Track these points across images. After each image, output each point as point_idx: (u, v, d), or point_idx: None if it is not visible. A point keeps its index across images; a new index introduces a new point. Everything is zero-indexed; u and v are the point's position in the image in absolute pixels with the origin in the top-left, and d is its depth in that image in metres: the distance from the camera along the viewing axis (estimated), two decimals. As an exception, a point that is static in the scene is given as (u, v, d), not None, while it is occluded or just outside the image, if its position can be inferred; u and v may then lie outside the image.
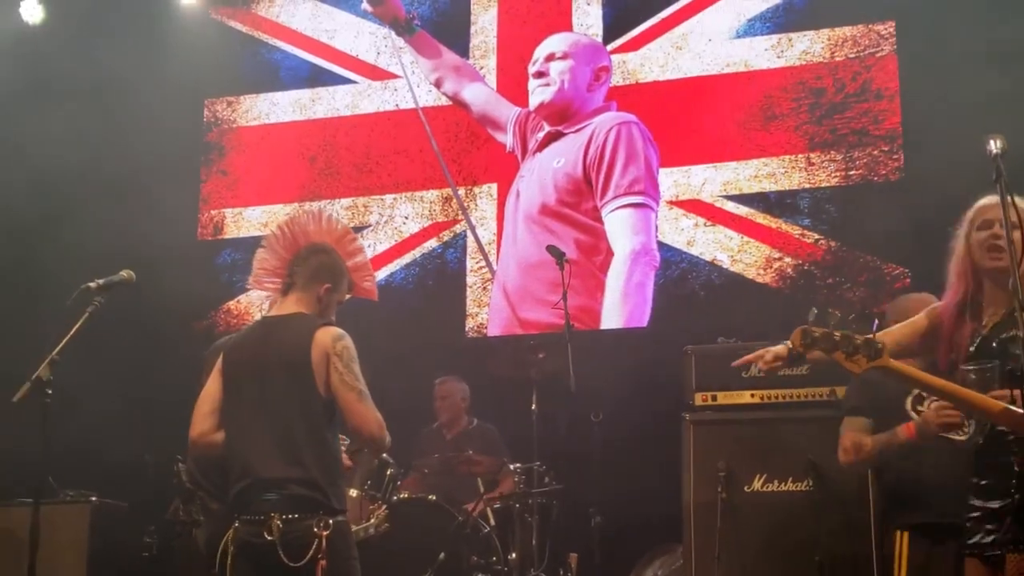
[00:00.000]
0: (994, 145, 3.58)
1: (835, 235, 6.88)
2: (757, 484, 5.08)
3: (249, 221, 8.10)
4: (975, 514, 3.58)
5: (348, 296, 4.06)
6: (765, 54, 7.24)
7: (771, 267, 6.97)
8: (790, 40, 7.20)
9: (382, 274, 7.56)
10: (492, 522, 6.17)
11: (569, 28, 7.67)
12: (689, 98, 7.34)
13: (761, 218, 7.04)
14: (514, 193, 7.40)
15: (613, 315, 6.98)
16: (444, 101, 7.83)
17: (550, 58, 7.39)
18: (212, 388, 3.89)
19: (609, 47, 7.57)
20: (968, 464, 3.62)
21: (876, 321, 3.72)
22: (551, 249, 6.12)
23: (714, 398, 5.29)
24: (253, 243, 4.20)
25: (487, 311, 7.43)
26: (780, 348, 3.80)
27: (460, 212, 7.64)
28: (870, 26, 7.03)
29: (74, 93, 7.79)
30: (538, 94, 7.39)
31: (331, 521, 3.64)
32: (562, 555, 6.17)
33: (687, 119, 7.31)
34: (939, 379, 3.51)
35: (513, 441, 6.55)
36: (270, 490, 3.66)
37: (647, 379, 6.28)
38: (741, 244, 7.04)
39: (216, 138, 8.36)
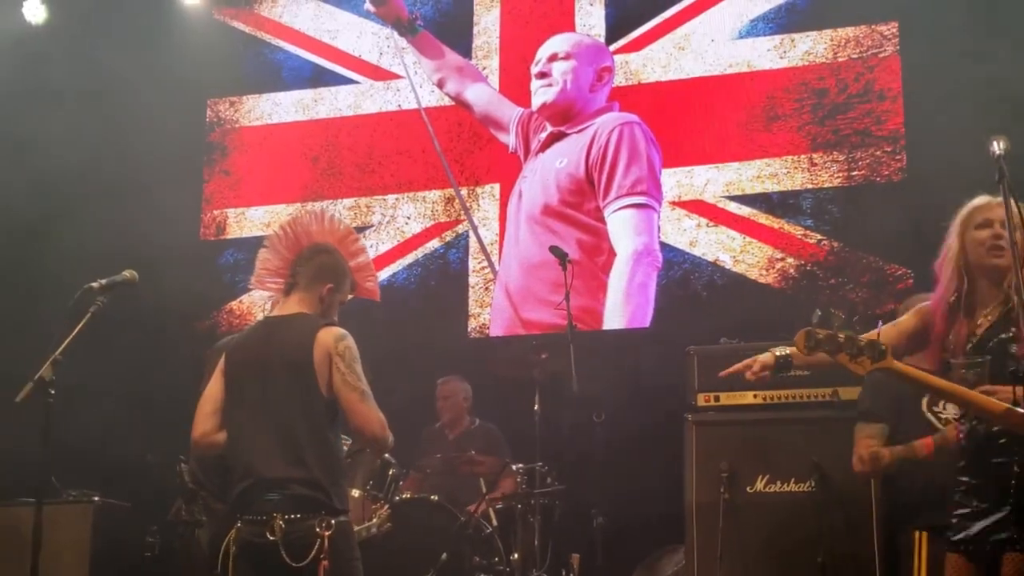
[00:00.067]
0: (997, 146, 3.59)
1: (837, 236, 6.88)
2: (759, 485, 5.08)
3: (252, 221, 8.10)
4: (963, 511, 3.59)
5: (350, 296, 4.06)
6: (768, 55, 7.24)
7: (773, 268, 6.97)
8: (793, 41, 7.20)
9: (384, 274, 7.57)
10: (494, 522, 6.17)
11: (572, 28, 7.67)
12: (692, 99, 7.34)
13: (763, 219, 7.04)
14: (516, 193, 7.40)
15: (615, 316, 6.98)
16: (447, 101, 7.83)
17: (553, 58, 7.39)
18: (214, 388, 3.89)
19: (612, 47, 7.57)
20: (979, 465, 3.62)
21: (881, 323, 3.73)
22: (553, 249, 6.12)
23: (716, 399, 5.29)
24: (256, 243, 4.20)
25: (489, 311, 7.43)
26: (767, 357, 3.82)
27: (462, 212, 7.64)
28: (873, 27, 7.02)
29: (76, 93, 7.80)
30: (540, 94, 7.39)
31: (333, 521, 3.64)
32: (564, 556, 6.17)
33: (690, 120, 7.31)
34: (942, 380, 3.51)
35: (515, 441, 6.55)
36: (272, 490, 3.66)
37: (649, 380, 6.28)
38: (743, 245, 7.04)
39: (219, 138, 8.36)
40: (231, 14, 8.50)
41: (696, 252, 7.13)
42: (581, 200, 7.12)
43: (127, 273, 4.58)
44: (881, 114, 6.91)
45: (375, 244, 7.70)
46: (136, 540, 6.28)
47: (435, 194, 7.77)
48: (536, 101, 7.42)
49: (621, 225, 7.01)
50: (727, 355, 5.32)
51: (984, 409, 3.45)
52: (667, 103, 7.39)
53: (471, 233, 7.60)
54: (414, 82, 7.88)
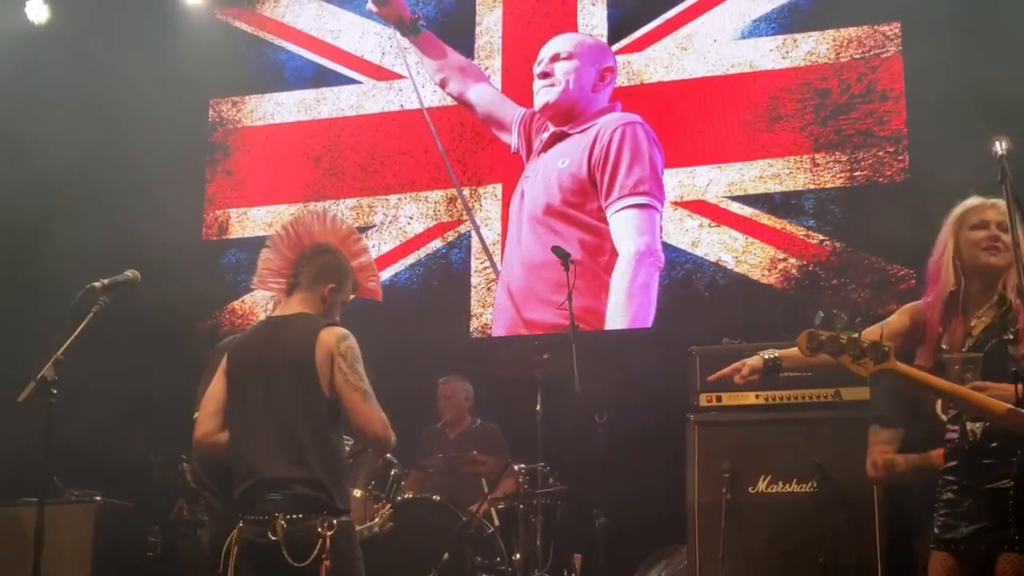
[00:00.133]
0: (999, 146, 3.60)
1: (840, 236, 6.87)
2: (761, 485, 5.07)
3: (254, 221, 8.10)
4: (953, 510, 3.61)
5: (352, 296, 4.07)
6: (770, 55, 7.23)
7: (776, 268, 6.96)
8: (795, 41, 7.19)
9: (386, 274, 7.57)
10: (496, 523, 6.17)
11: (574, 29, 7.67)
12: (694, 99, 7.34)
13: (766, 219, 7.04)
14: (519, 193, 7.39)
15: (617, 316, 6.98)
16: (449, 101, 7.83)
17: (555, 58, 7.39)
18: (216, 388, 3.89)
19: (614, 48, 7.57)
20: (973, 465, 3.62)
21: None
22: (556, 250, 6.12)
23: (719, 399, 5.29)
24: (258, 243, 4.20)
25: (491, 311, 7.43)
26: (756, 360, 3.84)
27: (465, 212, 7.64)
28: (875, 27, 7.02)
29: (79, 93, 7.80)
30: (543, 94, 7.39)
31: (335, 521, 3.65)
32: (566, 556, 6.17)
33: (692, 120, 7.30)
34: (945, 382, 3.51)
35: (517, 442, 6.55)
36: (274, 490, 3.67)
37: (651, 380, 6.27)
38: (746, 245, 7.04)
39: (221, 138, 8.36)
40: (233, 14, 8.50)
41: (698, 252, 7.12)
42: (583, 200, 7.12)
43: (129, 273, 4.59)
44: (883, 114, 6.90)
45: (377, 244, 7.70)
46: (138, 540, 6.29)
47: (437, 194, 7.77)
48: (538, 101, 7.42)
49: (623, 225, 7.01)
50: (729, 355, 5.30)
51: (985, 409, 3.46)
52: (669, 103, 7.38)
53: (473, 233, 7.60)
54: (416, 82, 7.88)
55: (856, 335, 3.39)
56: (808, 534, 4.85)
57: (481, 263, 7.57)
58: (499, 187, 7.65)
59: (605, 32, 7.65)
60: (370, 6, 7.90)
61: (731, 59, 7.31)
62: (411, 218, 7.79)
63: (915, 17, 6.85)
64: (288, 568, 3.58)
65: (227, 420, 3.83)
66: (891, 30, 6.98)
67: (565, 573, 6.15)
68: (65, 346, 4.25)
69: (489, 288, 7.50)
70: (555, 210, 7.16)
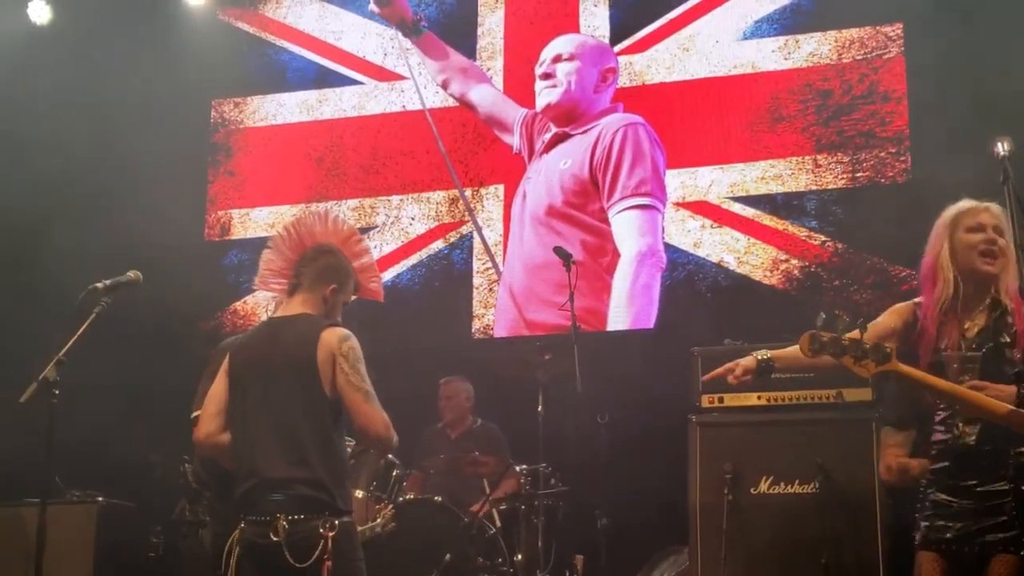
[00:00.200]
0: (1002, 147, 3.60)
1: (842, 237, 6.87)
2: (763, 486, 5.08)
3: (256, 222, 8.10)
4: (944, 510, 3.61)
5: (354, 297, 4.06)
6: (772, 56, 7.23)
7: (778, 269, 6.96)
8: (797, 42, 7.19)
9: (388, 275, 7.57)
10: (498, 523, 6.16)
11: (576, 29, 7.67)
12: (696, 100, 7.33)
13: (768, 220, 7.04)
14: (521, 194, 7.39)
15: (619, 317, 6.98)
16: (451, 102, 7.83)
17: (557, 59, 7.38)
18: (218, 389, 3.89)
19: (616, 48, 7.56)
20: (966, 466, 3.63)
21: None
22: (558, 250, 6.12)
23: (720, 400, 5.30)
24: (260, 244, 4.20)
25: (493, 312, 7.43)
26: (749, 361, 3.85)
27: (467, 213, 7.64)
28: (878, 28, 7.01)
29: (81, 93, 7.81)
30: (545, 95, 7.38)
31: (337, 522, 3.64)
32: (568, 557, 6.17)
33: (694, 121, 7.30)
34: (946, 382, 3.52)
35: (519, 442, 6.55)
36: (276, 490, 3.67)
37: (653, 381, 6.27)
38: (748, 246, 7.04)
39: (223, 139, 8.37)
40: (236, 15, 8.50)
41: (700, 253, 7.12)
42: (585, 201, 7.12)
43: (131, 274, 4.60)
44: (885, 115, 6.90)
45: (379, 245, 7.70)
46: (140, 540, 6.29)
47: (439, 195, 7.78)
48: (540, 102, 7.42)
49: (625, 226, 7.01)
50: (731, 356, 5.29)
51: (986, 409, 3.46)
52: (671, 104, 7.38)
53: (475, 234, 7.60)
54: (418, 83, 7.88)
55: (858, 336, 3.40)
56: (810, 535, 4.85)
57: (483, 264, 7.57)
58: (501, 188, 7.65)
59: (607, 33, 7.65)
60: (372, 7, 7.91)
61: (733, 60, 7.31)
62: (413, 219, 7.79)
63: (917, 18, 6.85)
64: (290, 569, 3.58)
65: (229, 420, 3.83)
66: (893, 31, 6.98)
67: (567, 574, 6.14)
68: (67, 347, 4.26)
69: (491, 289, 7.50)
70: (557, 211, 7.16)
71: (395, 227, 7.81)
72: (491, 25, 7.93)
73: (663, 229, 7.11)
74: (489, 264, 7.52)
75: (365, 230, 7.64)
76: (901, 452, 4.50)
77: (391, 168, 7.91)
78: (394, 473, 5.83)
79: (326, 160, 8.07)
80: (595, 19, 7.70)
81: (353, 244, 4.06)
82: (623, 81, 7.49)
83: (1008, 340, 3.64)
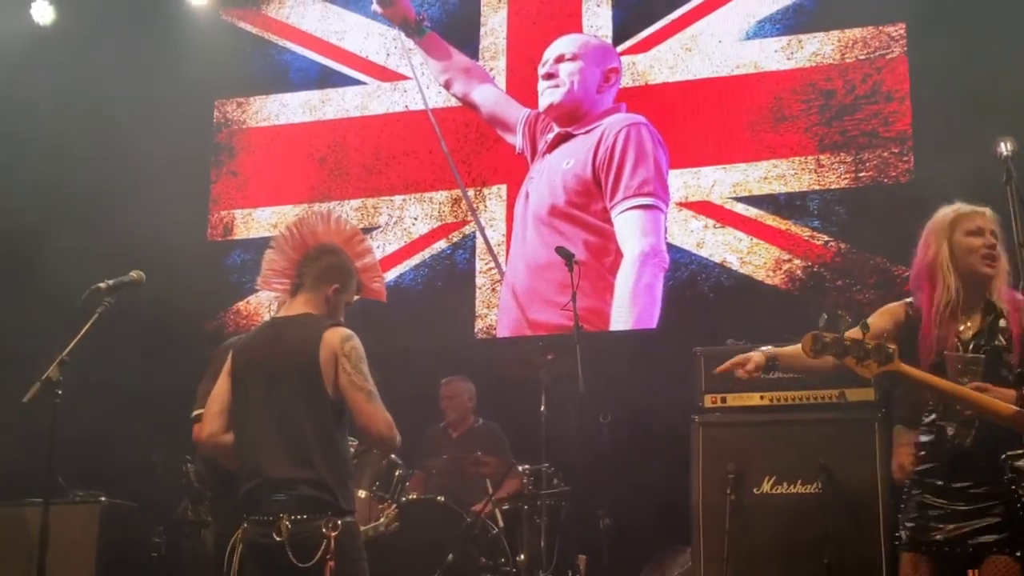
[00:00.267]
0: (1004, 147, 3.61)
1: (845, 237, 6.86)
2: (766, 486, 5.08)
3: (259, 222, 8.11)
4: (931, 512, 3.62)
5: (357, 297, 4.06)
6: (775, 56, 7.23)
7: (780, 269, 6.96)
8: (800, 42, 7.19)
9: (391, 275, 7.57)
10: (500, 523, 6.17)
11: (579, 29, 7.67)
12: (699, 100, 7.33)
13: (770, 220, 7.03)
14: (523, 194, 7.39)
15: (622, 317, 6.97)
16: (453, 102, 7.83)
17: (559, 59, 7.38)
18: (221, 389, 3.89)
19: (619, 48, 7.56)
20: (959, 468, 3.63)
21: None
22: (560, 250, 6.12)
23: (723, 400, 5.30)
24: (263, 244, 4.19)
25: (496, 312, 7.43)
26: (759, 356, 3.84)
27: (469, 213, 7.64)
28: (880, 28, 7.01)
29: (84, 93, 7.81)
30: (547, 95, 7.38)
31: (340, 522, 3.64)
32: (570, 557, 6.17)
33: (697, 121, 7.30)
34: (950, 383, 3.52)
35: (522, 442, 6.55)
36: (279, 490, 3.66)
37: (656, 381, 6.28)
38: (750, 246, 7.03)
39: (226, 139, 8.37)
40: (238, 15, 8.51)
41: (703, 253, 7.12)
42: (588, 201, 7.12)
43: (134, 274, 4.60)
44: (888, 115, 6.90)
45: (382, 245, 7.70)
46: (143, 540, 6.30)
47: (442, 195, 7.78)
48: (543, 102, 7.41)
49: (628, 226, 7.00)
50: (734, 356, 5.35)
51: (991, 410, 3.46)
52: (674, 104, 7.38)
53: (478, 234, 7.60)
54: (421, 83, 7.88)
55: (860, 337, 3.39)
56: (812, 535, 4.85)
57: (486, 264, 7.57)
58: (504, 188, 7.65)
59: (610, 33, 7.65)
60: (375, 7, 7.90)
61: (736, 60, 7.31)
62: (416, 219, 7.80)
63: (920, 18, 6.85)
64: (292, 568, 3.58)
65: (231, 420, 3.83)
66: (896, 31, 6.98)
67: (569, 574, 6.14)
68: (70, 347, 4.27)
69: (494, 289, 7.50)
70: (560, 211, 7.16)
71: (398, 227, 7.81)
72: (494, 25, 7.93)
73: (666, 229, 7.11)
74: (492, 264, 7.52)
75: (368, 230, 7.64)
76: (913, 451, 4.50)
77: (394, 168, 7.91)
78: (397, 473, 5.84)
79: (329, 160, 8.07)
80: (598, 19, 7.70)
81: (356, 244, 4.06)
82: (626, 81, 7.49)
83: (1004, 343, 3.65)
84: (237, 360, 3.89)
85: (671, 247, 7.11)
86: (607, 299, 6.99)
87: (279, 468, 3.68)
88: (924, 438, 3.78)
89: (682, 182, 7.22)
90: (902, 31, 6.96)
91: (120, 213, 7.47)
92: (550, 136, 7.38)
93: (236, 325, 7.80)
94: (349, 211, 7.84)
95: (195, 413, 4.40)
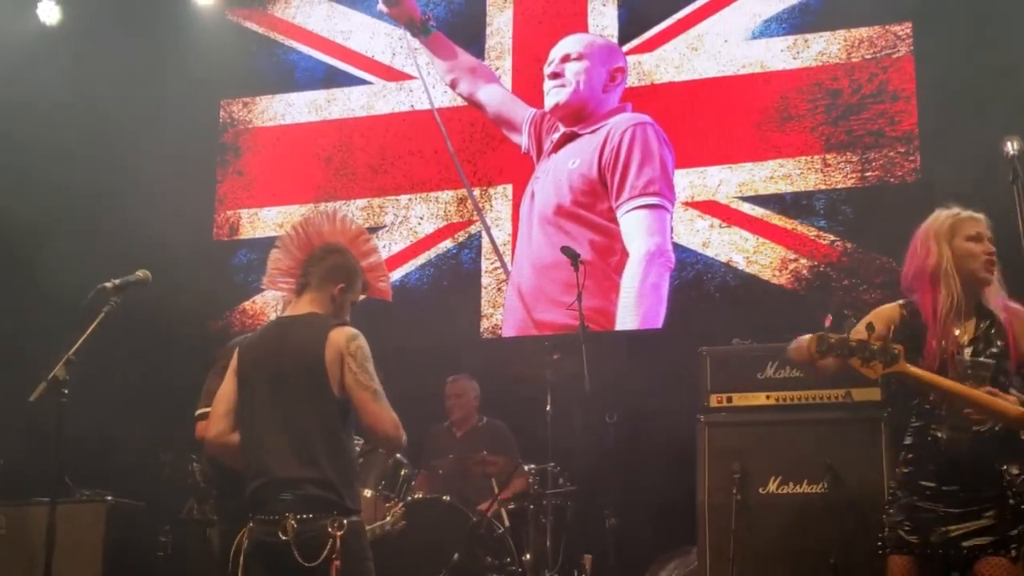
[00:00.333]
0: (1011, 146, 3.60)
1: (851, 237, 6.86)
2: (772, 486, 5.07)
3: (265, 222, 8.12)
4: (924, 515, 3.62)
5: (362, 296, 4.07)
6: (781, 55, 7.22)
7: (786, 268, 6.95)
8: (806, 41, 7.18)
9: (397, 275, 7.57)
10: (506, 523, 6.17)
11: (585, 29, 7.67)
12: (705, 99, 7.33)
13: (777, 219, 7.03)
14: (529, 194, 7.39)
15: (628, 316, 6.97)
16: (459, 102, 7.83)
17: (565, 59, 7.38)
18: (227, 388, 3.89)
19: (624, 48, 7.56)
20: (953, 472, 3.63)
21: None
22: (566, 250, 6.11)
23: (729, 399, 5.29)
24: (269, 244, 4.20)
25: (502, 312, 7.43)
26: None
27: (475, 213, 7.64)
28: (887, 27, 7.00)
29: (90, 93, 7.82)
30: (553, 95, 7.38)
31: (345, 521, 3.64)
32: (576, 556, 6.17)
33: (703, 120, 7.29)
34: (957, 384, 3.51)
35: (528, 442, 6.55)
36: (285, 490, 3.66)
37: (662, 380, 6.27)
38: (756, 245, 7.03)
39: (232, 139, 8.38)
40: (244, 15, 8.52)
41: (709, 253, 7.12)
42: (594, 201, 7.11)
43: (140, 273, 4.61)
44: (895, 115, 6.89)
45: (388, 244, 7.70)
46: (149, 539, 6.30)
47: (448, 195, 7.78)
48: (549, 102, 7.41)
49: (634, 226, 7.00)
50: (740, 356, 5.36)
51: (998, 411, 3.46)
52: (680, 104, 7.37)
53: (484, 234, 7.60)
54: (427, 83, 7.88)
55: (865, 338, 3.39)
56: (818, 535, 4.84)
57: (491, 263, 7.57)
58: (509, 187, 7.65)
59: (616, 32, 7.64)
60: (380, 7, 7.91)
61: (742, 59, 7.30)
62: (421, 218, 7.80)
63: (926, 17, 6.84)
64: (298, 568, 3.58)
65: (237, 420, 3.83)
66: (902, 30, 6.97)
67: (575, 574, 6.14)
68: (76, 346, 4.27)
69: (499, 288, 7.50)
70: (565, 210, 7.16)
71: (403, 227, 7.82)
72: (500, 25, 7.93)
73: (672, 229, 7.10)
74: (497, 264, 7.52)
75: (373, 230, 7.65)
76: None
77: (399, 168, 7.92)
78: (402, 472, 5.85)
79: (335, 160, 8.08)
80: (604, 18, 7.69)
81: (361, 243, 4.06)
82: (632, 81, 7.49)
83: (1000, 349, 3.65)
84: (243, 360, 3.89)
85: (677, 247, 7.11)
86: (613, 299, 6.99)
87: (285, 467, 3.68)
88: (910, 440, 3.77)
89: (688, 181, 7.22)
90: (908, 30, 6.95)
91: (126, 213, 7.48)
92: (556, 136, 7.38)
93: (242, 324, 7.81)
94: (355, 211, 7.85)
95: (199, 411, 4.41)
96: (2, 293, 7.65)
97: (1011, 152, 3.60)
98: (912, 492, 3.69)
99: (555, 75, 7.38)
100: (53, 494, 4.40)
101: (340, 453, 3.74)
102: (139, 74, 8.03)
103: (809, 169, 7.00)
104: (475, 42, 7.91)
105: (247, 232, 8.16)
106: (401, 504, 5.67)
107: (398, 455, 5.69)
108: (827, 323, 3.40)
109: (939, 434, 3.65)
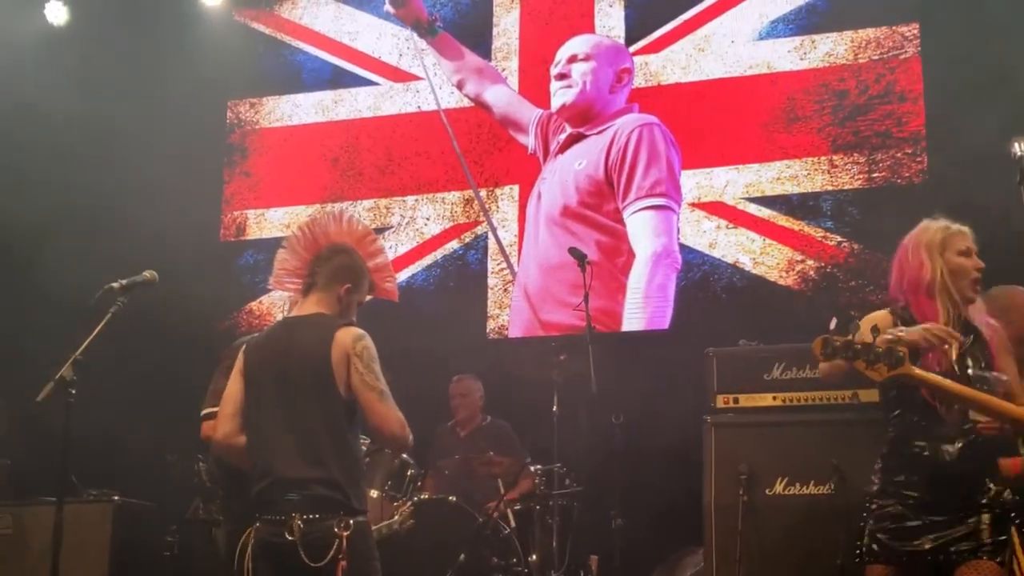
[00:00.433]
0: (1019, 147, 3.60)
1: (858, 237, 6.85)
2: (779, 487, 5.07)
3: (271, 222, 8.13)
4: (909, 524, 3.63)
5: (369, 297, 4.06)
6: (788, 56, 7.22)
7: (793, 269, 6.94)
8: (813, 42, 7.18)
9: (403, 275, 7.58)
10: (512, 523, 6.16)
11: (591, 30, 7.67)
12: (711, 100, 7.33)
13: (783, 220, 7.02)
14: (536, 195, 7.39)
15: (634, 317, 6.97)
16: (466, 103, 7.83)
17: (572, 60, 7.38)
18: (234, 389, 3.89)
19: (631, 49, 7.56)
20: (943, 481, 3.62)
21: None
22: (572, 251, 6.12)
23: (736, 400, 5.29)
24: (275, 244, 4.20)
25: (508, 313, 7.43)
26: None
27: (482, 214, 7.65)
28: (894, 28, 7.00)
29: (96, 94, 7.83)
30: (560, 96, 7.38)
31: (352, 521, 3.64)
32: (582, 557, 6.17)
33: (709, 121, 7.29)
34: (962, 386, 3.51)
35: (534, 443, 6.55)
36: (292, 490, 3.66)
37: (668, 381, 6.27)
38: (763, 246, 7.02)
39: (239, 139, 8.39)
40: (251, 15, 8.53)
41: (715, 254, 7.11)
42: (600, 201, 7.11)
43: (147, 274, 4.62)
44: (902, 115, 6.88)
45: (394, 245, 7.71)
46: (156, 539, 6.31)
47: (454, 195, 7.78)
48: (555, 102, 7.41)
49: (640, 226, 7.00)
50: (746, 357, 5.35)
51: (1005, 413, 3.46)
52: (687, 104, 7.37)
53: (490, 234, 7.61)
54: (434, 83, 7.89)
55: (871, 340, 3.38)
56: (825, 536, 4.82)
57: (498, 264, 7.57)
58: (516, 188, 7.65)
59: (622, 33, 7.64)
60: (387, 8, 7.91)
61: (749, 60, 7.30)
62: (428, 219, 7.80)
63: (933, 18, 6.83)
64: (304, 568, 3.58)
65: (244, 420, 3.83)
66: (909, 31, 6.96)
67: (581, 574, 6.14)
68: (84, 346, 4.28)
69: (506, 289, 7.50)
70: (572, 211, 7.16)
71: (410, 227, 7.82)
72: (506, 25, 7.94)
73: (678, 230, 7.10)
74: (504, 264, 7.52)
75: (380, 230, 7.65)
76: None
77: (406, 168, 7.92)
78: (409, 473, 5.84)
79: (341, 161, 8.08)
80: (610, 19, 7.69)
81: (368, 244, 4.06)
82: (638, 81, 7.48)
83: (984, 365, 3.64)
84: (249, 360, 3.89)
85: (683, 247, 7.10)
86: (619, 300, 6.99)
87: (291, 467, 3.68)
88: (887, 450, 3.77)
89: (695, 182, 7.22)
90: (915, 31, 6.94)
91: (134, 213, 7.48)
92: (562, 136, 7.38)
93: (249, 325, 7.82)
94: (361, 211, 7.85)
95: (205, 411, 4.41)
96: (3, 293, 7.66)
97: (1018, 153, 3.59)
98: (897, 500, 3.67)
99: (562, 76, 7.38)
100: (60, 494, 4.41)
101: (346, 453, 3.74)
102: (146, 75, 8.04)
103: (816, 170, 7.00)
104: (482, 43, 7.92)
105: (254, 233, 8.17)
106: (410, 504, 5.68)
107: (404, 455, 5.69)
108: (832, 325, 3.39)
109: (923, 445, 3.64)
